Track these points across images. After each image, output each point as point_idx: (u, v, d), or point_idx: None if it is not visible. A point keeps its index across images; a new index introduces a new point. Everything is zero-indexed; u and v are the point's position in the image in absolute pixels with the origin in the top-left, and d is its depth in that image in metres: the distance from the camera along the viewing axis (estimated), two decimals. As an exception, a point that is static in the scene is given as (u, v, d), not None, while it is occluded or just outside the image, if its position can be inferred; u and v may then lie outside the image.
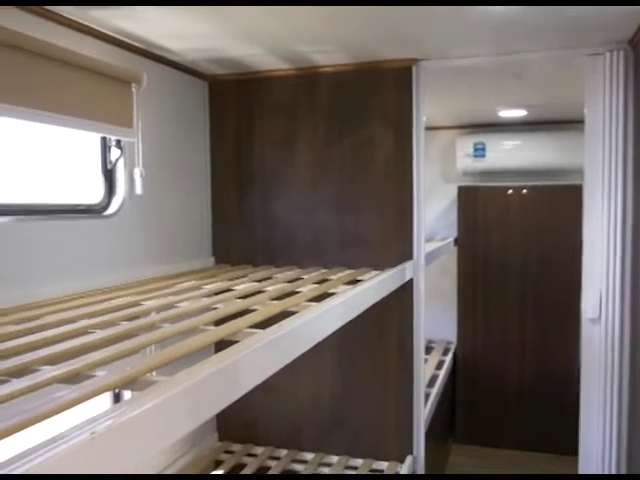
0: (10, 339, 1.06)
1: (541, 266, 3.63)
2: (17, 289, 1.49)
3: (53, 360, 0.93)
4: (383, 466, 2.27)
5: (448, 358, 3.61)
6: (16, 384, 0.78)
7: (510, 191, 3.65)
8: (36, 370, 0.88)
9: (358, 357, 2.34)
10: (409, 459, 2.27)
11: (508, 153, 3.73)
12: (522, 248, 3.65)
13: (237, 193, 2.41)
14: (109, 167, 1.95)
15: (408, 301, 2.26)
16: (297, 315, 1.23)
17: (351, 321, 2.32)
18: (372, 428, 2.33)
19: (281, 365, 1.05)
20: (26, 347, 1.01)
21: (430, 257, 2.60)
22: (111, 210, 1.92)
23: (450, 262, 3.80)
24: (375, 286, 1.75)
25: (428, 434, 2.48)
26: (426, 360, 3.50)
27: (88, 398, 0.74)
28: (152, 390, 0.72)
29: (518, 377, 3.68)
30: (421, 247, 2.27)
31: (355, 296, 1.52)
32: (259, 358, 0.98)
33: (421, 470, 2.33)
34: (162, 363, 0.91)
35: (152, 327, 1.18)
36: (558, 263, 3.57)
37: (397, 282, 2.01)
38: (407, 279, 2.15)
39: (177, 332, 1.13)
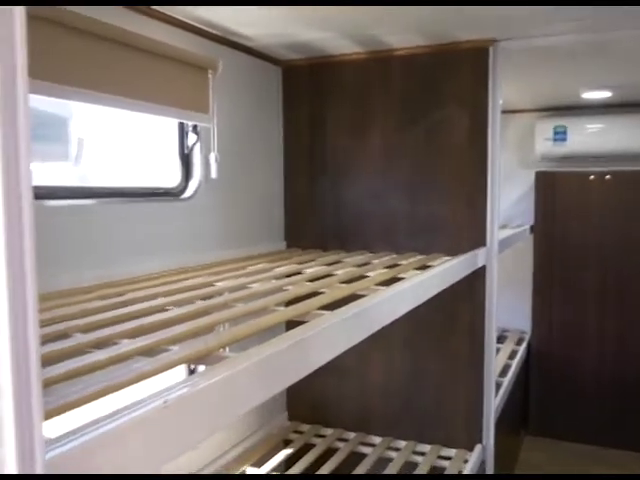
0: (94, 314, 1.13)
1: (624, 256, 3.46)
2: (100, 268, 1.58)
3: (133, 334, 0.98)
4: (451, 453, 2.26)
5: (522, 348, 3.52)
6: (99, 355, 0.83)
7: (592, 177, 3.50)
8: (117, 343, 0.93)
9: (428, 343, 2.32)
10: (478, 448, 2.24)
11: (591, 137, 3.57)
12: (603, 236, 3.49)
13: (309, 178, 2.44)
14: (186, 152, 2.02)
15: (480, 288, 2.22)
16: (366, 298, 1.23)
17: (422, 306, 2.30)
18: (440, 414, 2.32)
19: (348, 345, 1.06)
20: (109, 321, 1.07)
21: (504, 244, 2.53)
22: (187, 194, 1.98)
23: (525, 250, 3.69)
24: (446, 271, 1.73)
25: (499, 424, 2.44)
26: (499, 349, 3.44)
27: (163, 370, 0.77)
28: (224, 364, 0.75)
29: (596, 369, 3.54)
30: (494, 234, 2.21)
31: (425, 281, 1.51)
32: (327, 337, 1.00)
33: (490, 460, 2.30)
34: (234, 340, 0.94)
35: (225, 306, 1.22)
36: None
37: (469, 268, 1.98)
38: (479, 265, 2.11)
39: (248, 311, 1.16)
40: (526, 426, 3.69)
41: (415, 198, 2.28)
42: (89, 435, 0.51)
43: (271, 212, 2.42)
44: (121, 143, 1.94)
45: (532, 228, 3.64)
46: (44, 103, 1.58)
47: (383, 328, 2.39)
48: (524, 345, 3.59)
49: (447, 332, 2.28)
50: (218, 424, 0.67)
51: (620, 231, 3.46)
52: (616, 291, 3.50)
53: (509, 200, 3.81)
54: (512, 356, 3.37)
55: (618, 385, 3.50)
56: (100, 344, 0.93)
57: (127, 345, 0.90)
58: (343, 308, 1.12)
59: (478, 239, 2.20)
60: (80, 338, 0.96)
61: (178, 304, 1.23)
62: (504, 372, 3.11)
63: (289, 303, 1.26)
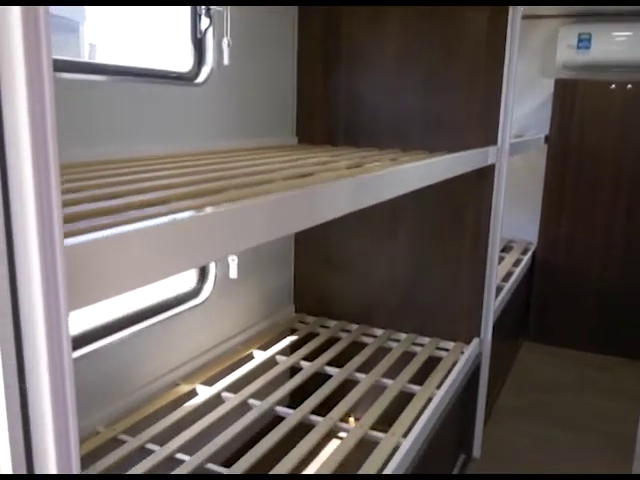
0: (107, 178, 1.17)
1: (638, 172, 3.44)
2: (110, 145, 1.61)
3: (145, 191, 1.03)
4: (449, 346, 2.36)
5: (527, 257, 3.57)
6: (113, 202, 0.88)
7: (613, 86, 3.41)
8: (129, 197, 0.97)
9: (433, 240, 2.37)
10: (475, 341, 2.33)
11: (616, 45, 3.45)
12: (619, 149, 3.45)
13: (323, 72, 2.41)
14: (199, 36, 1.99)
15: (488, 187, 2.23)
16: (373, 169, 1.26)
17: (427, 202, 2.34)
18: (441, 310, 2.40)
19: (354, 207, 1.10)
20: (122, 182, 1.11)
21: (516, 147, 2.52)
22: (200, 79, 1.98)
23: (538, 161, 3.67)
24: (454, 160, 1.74)
25: (498, 326, 2.52)
26: (503, 258, 3.50)
27: (175, 212, 0.81)
28: (234, 202, 0.78)
29: (600, 280, 3.60)
30: (506, 133, 2.20)
31: (432, 164, 1.53)
32: (334, 193, 1.04)
33: (487, 353, 2.40)
34: (242, 197, 0.98)
35: (233, 177, 1.25)
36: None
37: (478, 163, 1.99)
38: (489, 163, 2.11)
39: (256, 181, 1.20)
40: (525, 332, 3.81)
41: (427, 96, 2.26)
42: (104, 233, 0.55)
43: (284, 105, 2.42)
44: (133, 42, 1.91)
45: (547, 138, 3.60)
46: (56, 8, 1.56)
47: (388, 224, 2.43)
48: (529, 254, 3.64)
49: (452, 229, 2.33)
50: (223, 250, 0.72)
51: (637, 145, 3.42)
52: (627, 207, 3.50)
53: (526, 109, 3.75)
54: (517, 264, 3.43)
55: (619, 297, 3.57)
56: (114, 197, 0.97)
57: (140, 198, 0.94)
58: (350, 177, 1.16)
59: (489, 139, 2.19)
60: (95, 192, 1.01)
61: (189, 174, 1.27)
62: (507, 278, 3.18)
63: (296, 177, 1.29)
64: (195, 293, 2.09)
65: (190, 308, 2.02)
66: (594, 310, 3.64)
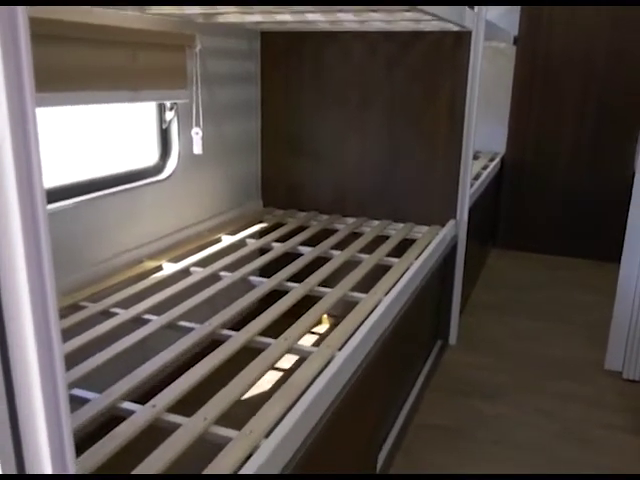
0: None
1: (608, 74, 3.39)
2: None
3: None
4: (423, 230, 2.29)
5: (495, 162, 3.52)
6: None
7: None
8: None
9: (406, 122, 2.27)
10: (452, 222, 2.27)
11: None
12: (588, 52, 3.39)
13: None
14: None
15: (464, 58, 2.13)
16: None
17: (399, 81, 2.23)
18: (416, 194, 2.32)
19: None
20: None
21: (491, 27, 2.42)
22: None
23: (506, 70, 3.59)
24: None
25: (471, 229, 2.46)
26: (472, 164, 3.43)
27: None
28: None
29: (566, 186, 3.59)
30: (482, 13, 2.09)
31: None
32: None
33: (463, 235, 2.34)
34: None
35: None
36: (627, 69, 3.33)
37: (455, 17, 1.85)
38: (467, 28, 2.00)
39: None
40: (495, 240, 3.80)
41: None
42: None
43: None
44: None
45: (515, 40, 3.51)
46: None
47: (359, 107, 2.32)
48: (498, 159, 3.59)
49: (425, 110, 2.23)
50: None
51: (607, 47, 3.36)
52: (596, 112, 3.46)
53: (497, 10, 3.63)
54: (485, 167, 3.37)
55: (585, 202, 3.57)
56: None
57: None
58: None
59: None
60: None
61: None
62: (477, 177, 3.11)
63: None
64: (158, 169, 1.95)
65: (154, 183, 1.88)
66: (561, 215, 3.64)
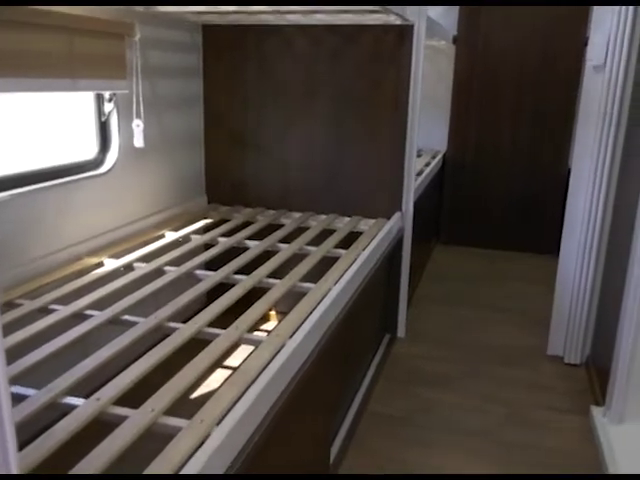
0: None
1: (542, 74, 3.50)
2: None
3: None
4: (370, 223, 2.29)
5: (437, 159, 3.58)
6: None
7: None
8: None
9: (352, 116, 2.27)
10: (398, 214, 2.29)
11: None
12: (524, 53, 3.50)
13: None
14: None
15: (407, 50, 2.15)
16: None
17: (345, 75, 2.24)
18: (362, 188, 2.33)
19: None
20: None
21: (432, 23, 2.46)
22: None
23: (447, 68, 3.67)
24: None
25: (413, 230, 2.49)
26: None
27: None
28: None
29: (505, 183, 3.70)
30: None
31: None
32: None
33: (409, 227, 2.36)
34: None
35: None
36: (559, 70, 3.46)
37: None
38: (409, 22, 2.03)
39: None
40: (437, 237, 3.86)
41: None
42: None
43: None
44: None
45: (455, 39, 3.59)
46: None
47: (304, 101, 2.31)
48: (439, 157, 3.65)
49: (370, 104, 2.24)
50: None
51: (541, 45, 3.47)
52: (532, 108, 3.57)
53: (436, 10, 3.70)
54: (428, 164, 3.43)
55: (523, 198, 3.68)
56: None
57: None
58: None
59: None
60: None
61: None
62: (420, 174, 3.16)
63: None
64: (98, 162, 1.88)
65: (93, 177, 1.81)
66: (501, 211, 3.74)
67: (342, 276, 1.65)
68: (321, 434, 1.51)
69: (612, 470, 1.65)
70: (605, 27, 1.96)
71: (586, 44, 3.28)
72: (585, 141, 2.12)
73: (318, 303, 1.47)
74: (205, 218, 2.32)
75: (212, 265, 1.83)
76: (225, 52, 2.32)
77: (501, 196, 3.73)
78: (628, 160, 1.99)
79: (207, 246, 2.01)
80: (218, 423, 0.95)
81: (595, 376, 2.14)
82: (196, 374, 1.13)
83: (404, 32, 2.11)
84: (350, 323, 1.65)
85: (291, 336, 1.28)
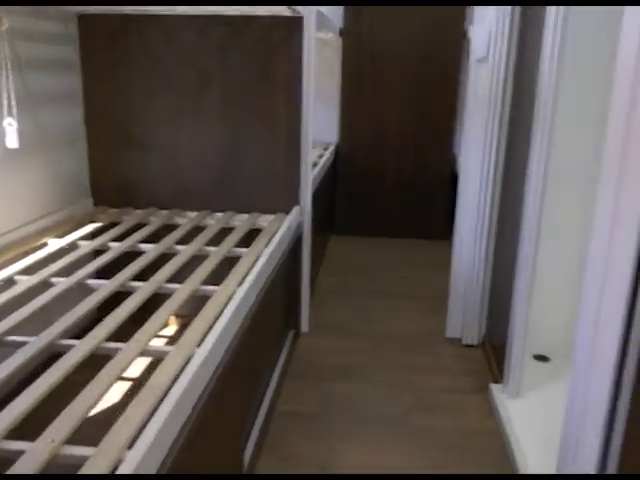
0: None
1: (424, 62, 3.62)
2: None
3: None
4: (269, 219, 2.25)
5: (329, 151, 3.60)
6: None
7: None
8: None
9: (245, 109, 2.21)
10: (296, 209, 2.26)
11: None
12: (407, 43, 3.60)
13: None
14: None
15: (297, 40, 2.12)
16: None
17: (235, 67, 2.17)
18: (259, 183, 2.28)
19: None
20: None
21: (320, 16, 2.45)
22: None
23: (334, 61, 3.69)
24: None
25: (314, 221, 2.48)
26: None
27: None
28: None
29: (395, 173, 3.80)
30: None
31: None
32: None
33: (308, 222, 2.35)
34: None
35: None
36: (438, 66, 3.59)
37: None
38: (298, 14, 2.00)
39: None
40: (333, 227, 3.90)
41: None
42: None
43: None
44: None
45: (341, 32, 3.61)
46: None
47: (195, 93, 2.22)
48: (332, 149, 3.68)
49: (263, 94, 2.19)
50: None
51: (424, 36, 3.58)
52: (417, 103, 3.68)
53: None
54: (321, 156, 3.44)
55: (413, 189, 3.80)
56: None
57: None
58: None
59: None
60: None
61: None
62: (315, 166, 3.16)
63: None
64: (-37, 166, 1.69)
65: (-41, 183, 1.63)
66: (393, 200, 3.84)
67: (246, 277, 1.60)
68: (234, 440, 1.46)
69: (513, 441, 1.74)
70: (486, 22, 2.04)
71: (465, 36, 3.46)
72: (472, 130, 2.20)
73: (224, 307, 1.41)
74: (92, 222, 2.17)
75: (105, 273, 1.71)
76: (105, 43, 2.17)
77: (391, 186, 3.82)
78: (512, 145, 2.09)
79: (97, 252, 1.88)
80: (129, 447, 0.88)
81: (492, 355, 2.25)
82: (98, 395, 1.04)
83: (294, 24, 2.08)
84: (257, 324, 1.61)
85: (199, 345, 1.22)
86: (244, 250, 1.86)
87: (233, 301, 1.42)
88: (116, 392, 1.81)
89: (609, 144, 1.03)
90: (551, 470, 1.36)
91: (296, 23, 2.08)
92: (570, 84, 1.93)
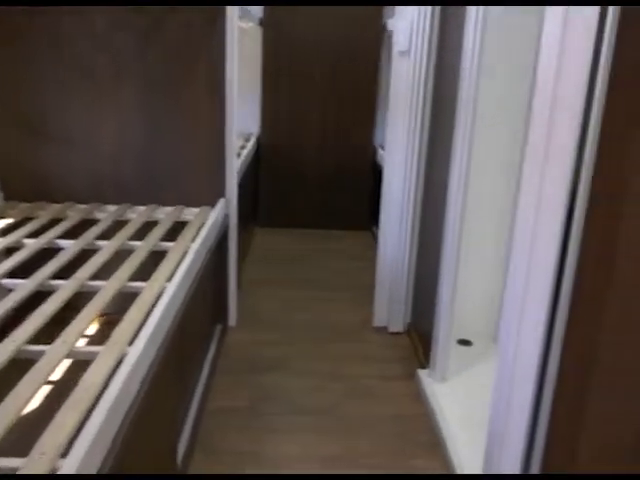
0: None
1: (344, 55, 3.64)
2: None
3: None
4: (194, 211, 2.20)
5: (251, 142, 3.56)
6: None
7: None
8: None
9: (166, 100, 2.14)
10: (222, 201, 2.22)
11: None
12: (327, 34, 3.60)
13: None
14: None
15: (219, 31, 2.08)
16: None
17: (156, 57, 2.10)
18: (182, 175, 2.22)
19: None
20: None
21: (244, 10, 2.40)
22: None
23: (253, 50, 3.64)
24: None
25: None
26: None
27: None
28: None
29: (318, 164, 3.80)
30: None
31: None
32: None
33: (233, 213, 2.31)
34: None
35: None
36: (359, 50, 3.63)
37: None
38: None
39: None
40: (257, 218, 3.86)
41: None
42: None
43: None
44: None
45: (261, 21, 3.57)
46: None
47: (112, 82, 2.13)
48: (254, 140, 3.64)
49: (185, 84, 2.13)
50: None
51: (342, 31, 3.60)
52: (337, 94, 3.69)
53: None
54: (244, 147, 3.39)
55: (335, 181, 3.83)
56: None
57: None
58: None
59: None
60: None
61: None
62: (238, 157, 3.11)
63: None
64: None
65: None
66: (316, 191, 3.85)
67: (174, 272, 1.55)
68: (168, 439, 1.42)
69: (443, 424, 1.80)
70: (408, 15, 2.08)
71: (384, 30, 3.51)
72: (396, 121, 2.24)
73: (153, 304, 1.36)
74: (2, 218, 2.04)
75: (21, 272, 1.61)
76: (13, 33, 2.04)
77: (315, 177, 3.83)
78: (435, 137, 2.15)
79: (10, 250, 1.76)
80: (63, 455, 0.83)
81: (417, 342, 2.31)
82: (23, 402, 0.98)
83: (215, 13, 2.03)
84: (187, 320, 1.56)
85: (130, 343, 1.17)
86: (170, 244, 1.81)
87: (163, 298, 1.38)
88: (43, 397, 1.72)
89: (533, 132, 1.08)
90: (479, 446, 1.42)
91: (217, 12, 2.03)
92: (489, 81, 2.00)
